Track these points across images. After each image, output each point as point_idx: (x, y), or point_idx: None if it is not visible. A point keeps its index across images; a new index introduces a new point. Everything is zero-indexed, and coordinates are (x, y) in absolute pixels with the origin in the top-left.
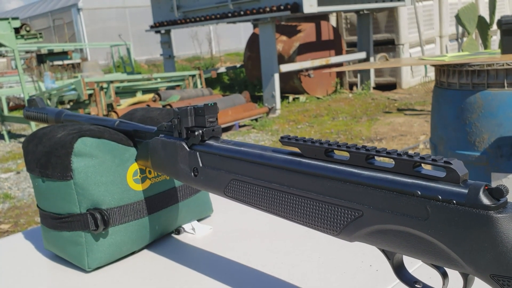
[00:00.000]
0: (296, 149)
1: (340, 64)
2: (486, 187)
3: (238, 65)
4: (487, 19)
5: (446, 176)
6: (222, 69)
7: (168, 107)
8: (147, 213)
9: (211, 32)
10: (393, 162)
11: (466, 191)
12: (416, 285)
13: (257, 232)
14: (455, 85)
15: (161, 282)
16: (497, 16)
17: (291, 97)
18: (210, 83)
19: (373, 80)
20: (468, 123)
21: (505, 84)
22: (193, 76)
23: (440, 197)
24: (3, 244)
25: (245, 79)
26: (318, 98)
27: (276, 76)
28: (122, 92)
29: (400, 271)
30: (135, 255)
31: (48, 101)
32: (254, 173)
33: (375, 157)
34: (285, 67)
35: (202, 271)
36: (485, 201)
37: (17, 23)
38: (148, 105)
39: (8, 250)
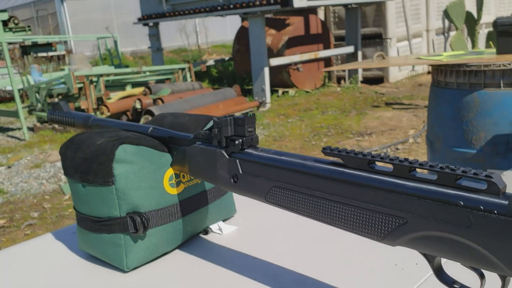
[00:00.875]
0: (338, 160)
1: (328, 58)
2: None
3: (226, 58)
4: (475, 15)
5: (487, 188)
6: (211, 62)
7: (159, 101)
8: (181, 215)
9: (196, 25)
10: (436, 175)
11: (506, 202)
12: (455, 285)
13: (281, 232)
14: (453, 84)
15: (194, 280)
16: (484, 12)
17: (280, 91)
18: (198, 76)
19: (360, 74)
20: (465, 121)
21: (501, 84)
22: (183, 69)
23: (482, 207)
24: (36, 244)
25: (234, 72)
26: (307, 91)
27: (266, 70)
28: (111, 86)
29: (439, 272)
30: (167, 255)
31: (37, 95)
32: (296, 181)
33: (417, 168)
34: (275, 61)
35: (232, 269)
36: None
37: (5, 16)
38: (139, 99)
39: (42, 251)
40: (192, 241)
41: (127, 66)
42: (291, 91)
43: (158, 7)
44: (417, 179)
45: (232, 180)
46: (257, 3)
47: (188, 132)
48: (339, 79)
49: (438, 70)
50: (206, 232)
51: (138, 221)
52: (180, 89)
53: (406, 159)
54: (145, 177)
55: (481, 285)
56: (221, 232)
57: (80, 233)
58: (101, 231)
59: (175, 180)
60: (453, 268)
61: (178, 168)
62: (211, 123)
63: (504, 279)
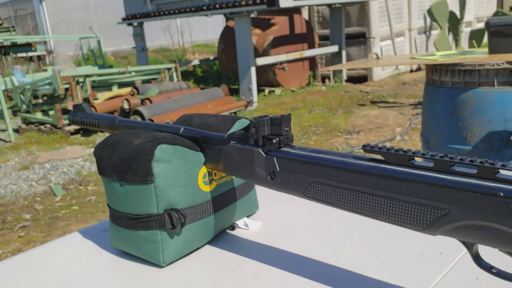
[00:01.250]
0: (379, 156)
1: (313, 58)
2: None
3: (211, 58)
4: (458, 14)
5: None
6: (196, 62)
7: (147, 101)
8: (213, 211)
9: (178, 25)
10: (476, 169)
11: None
12: (493, 270)
13: (305, 226)
14: (448, 83)
15: (225, 273)
16: (466, 11)
17: (267, 90)
18: (183, 75)
19: (345, 73)
20: (460, 119)
21: (495, 83)
22: (169, 69)
23: None
24: (63, 244)
25: (219, 71)
26: (293, 91)
27: (253, 70)
28: (97, 86)
29: (477, 259)
30: (199, 250)
31: (21, 96)
32: (337, 177)
33: (456, 164)
34: (261, 61)
35: (262, 262)
36: None
37: None
38: (127, 99)
39: (71, 251)
40: (221, 237)
41: (111, 66)
42: (278, 90)
43: (143, 7)
44: (458, 173)
45: (269, 177)
46: (243, 3)
47: (216, 132)
48: (324, 78)
49: (433, 69)
50: (233, 228)
51: (176, 218)
52: (168, 89)
53: (446, 155)
54: (181, 175)
55: None
56: (248, 228)
57: (114, 231)
58: (138, 228)
59: (208, 178)
60: (487, 255)
61: (211, 166)
62: (237, 124)
63: None
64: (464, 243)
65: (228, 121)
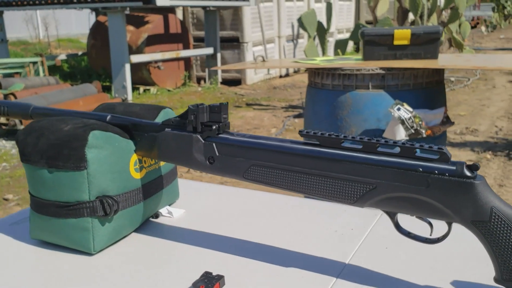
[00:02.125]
0: (313, 140)
1: (188, 58)
2: (466, 165)
3: (79, 53)
4: (325, 24)
5: (439, 158)
6: (62, 56)
7: (11, 96)
8: (142, 198)
9: (37, 16)
10: (399, 149)
11: (454, 167)
12: (410, 235)
13: (225, 212)
14: (329, 86)
15: (155, 259)
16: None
17: (142, 88)
18: (49, 71)
19: (220, 75)
20: (339, 118)
21: (370, 86)
22: (35, 63)
23: (436, 171)
24: None
25: (88, 67)
26: (169, 90)
27: (127, 67)
28: None
29: (398, 227)
30: (126, 237)
31: None
32: (275, 160)
33: (381, 146)
34: (136, 58)
35: (190, 245)
36: (468, 173)
37: None
38: None
39: None
40: (145, 225)
41: None
42: (153, 89)
43: None
44: (384, 153)
45: (207, 162)
46: None
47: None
48: (199, 79)
49: (315, 73)
50: (156, 216)
51: (110, 204)
52: (34, 84)
53: (372, 138)
54: (113, 162)
55: (431, 231)
56: (172, 215)
57: (37, 220)
58: (67, 216)
59: (138, 165)
60: (404, 223)
61: (143, 153)
62: (162, 113)
63: (450, 225)
64: (387, 213)
65: (153, 110)
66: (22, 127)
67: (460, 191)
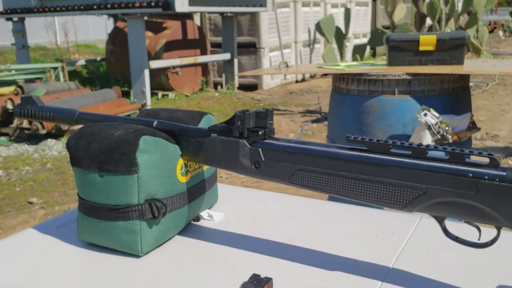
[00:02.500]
0: (361, 145)
1: (205, 64)
2: None
3: (98, 59)
4: (343, 29)
5: (490, 163)
6: (81, 62)
7: None
8: (187, 202)
9: (55, 23)
10: (448, 155)
11: (504, 173)
12: (458, 239)
13: (265, 215)
14: (354, 91)
15: (201, 261)
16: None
17: (160, 94)
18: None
19: (237, 80)
20: (365, 123)
21: (396, 92)
22: (55, 68)
23: (486, 177)
24: (20, 241)
25: (106, 73)
26: (186, 95)
27: (146, 72)
28: None
29: (446, 231)
30: (171, 239)
31: None
32: (322, 165)
33: (430, 151)
34: (155, 64)
35: (232, 247)
36: None
37: None
38: (10, 99)
39: (33, 246)
40: (188, 227)
41: None
42: (171, 95)
43: (25, 1)
44: (433, 158)
45: (253, 166)
46: (137, 4)
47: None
48: (216, 85)
49: (339, 78)
50: (197, 219)
51: (158, 207)
52: (55, 90)
53: (421, 144)
54: (162, 166)
55: (479, 236)
56: (212, 219)
57: (85, 223)
58: (116, 219)
59: (184, 170)
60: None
61: (189, 158)
62: (205, 119)
63: (499, 229)
64: (436, 218)
65: (196, 116)
66: (44, 131)
67: (511, 196)
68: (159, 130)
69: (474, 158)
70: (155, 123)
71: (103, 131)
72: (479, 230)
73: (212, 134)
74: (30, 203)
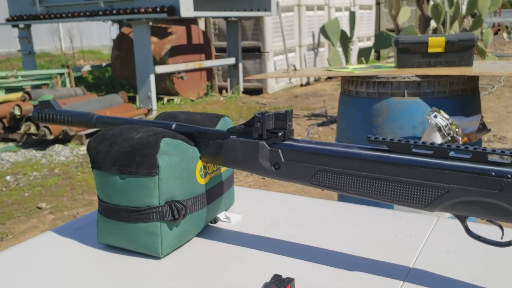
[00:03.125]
0: (382, 146)
1: (210, 68)
2: None
3: (103, 64)
4: (348, 33)
5: None
6: (87, 68)
7: None
8: (206, 203)
9: (60, 29)
10: (470, 154)
11: None
12: (480, 238)
13: (281, 216)
14: (363, 93)
15: (221, 262)
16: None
17: (165, 99)
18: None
19: (242, 84)
20: (375, 126)
21: (405, 94)
22: (62, 74)
23: (509, 176)
24: (41, 244)
25: (112, 78)
26: (192, 100)
27: (152, 77)
28: None
29: (468, 230)
30: (190, 241)
31: None
32: (343, 165)
33: (451, 151)
34: (161, 69)
35: (251, 248)
36: None
37: None
38: (18, 105)
39: (53, 249)
40: (205, 229)
41: None
42: (177, 99)
43: (30, 8)
44: (455, 158)
45: (273, 167)
46: (142, 10)
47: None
48: (221, 89)
49: (348, 81)
50: (215, 221)
51: (179, 209)
52: (62, 95)
53: (442, 144)
54: (182, 168)
55: (502, 235)
56: (230, 220)
57: (106, 225)
58: (137, 221)
59: (203, 171)
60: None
61: (208, 160)
62: (222, 121)
63: None
64: (458, 217)
65: (213, 118)
66: (51, 137)
67: None
68: (178, 132)
69: (495, 157)
70: (173, 125)
71: (124, 133)
72: (502, 229)
73: (231, 136)
74: (39, 208)
